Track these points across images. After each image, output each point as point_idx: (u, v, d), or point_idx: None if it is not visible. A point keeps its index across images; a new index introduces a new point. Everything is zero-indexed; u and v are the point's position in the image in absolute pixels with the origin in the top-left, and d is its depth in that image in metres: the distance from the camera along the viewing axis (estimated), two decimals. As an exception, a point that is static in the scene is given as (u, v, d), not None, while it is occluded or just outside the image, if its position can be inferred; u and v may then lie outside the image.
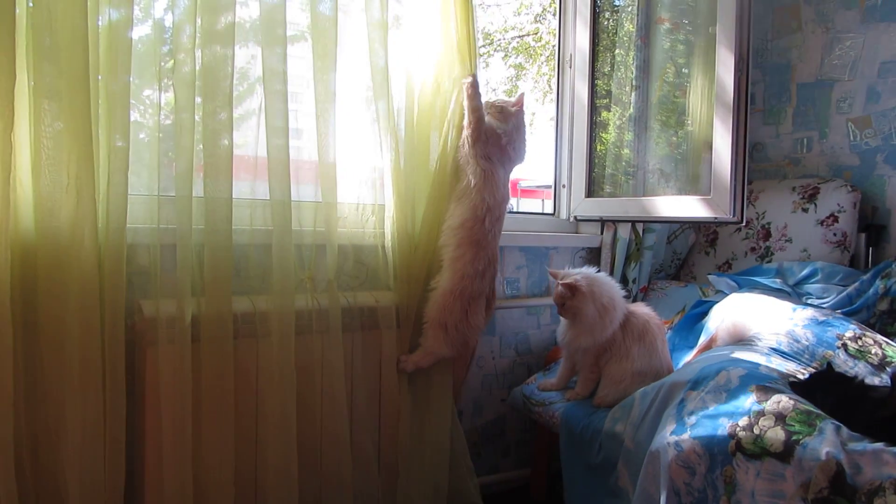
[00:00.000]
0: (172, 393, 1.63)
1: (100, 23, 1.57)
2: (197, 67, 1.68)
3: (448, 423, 2.08)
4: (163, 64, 1.70)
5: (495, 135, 1.99)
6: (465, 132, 1.99)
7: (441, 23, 2.02)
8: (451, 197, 2.01)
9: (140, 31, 1.70)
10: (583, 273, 1.98)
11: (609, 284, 2.00)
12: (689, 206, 2.23)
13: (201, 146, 1.69)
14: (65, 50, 1.49)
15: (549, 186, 2.83)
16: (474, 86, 2.00)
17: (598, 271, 2.03)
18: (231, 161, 1.71)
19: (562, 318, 2.04)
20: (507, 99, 2.08)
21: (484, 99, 2.01)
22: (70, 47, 1.50)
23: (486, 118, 2.00)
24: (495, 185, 1.96)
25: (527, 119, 2.09)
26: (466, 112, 1.99)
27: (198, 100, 1.68)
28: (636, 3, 2.60)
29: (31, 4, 1.48)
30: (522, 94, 2.06)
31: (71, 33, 1.49)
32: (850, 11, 2.52)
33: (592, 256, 2.67)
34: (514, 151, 2.03)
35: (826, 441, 1.33)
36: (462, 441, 2.14)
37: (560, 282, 1.96)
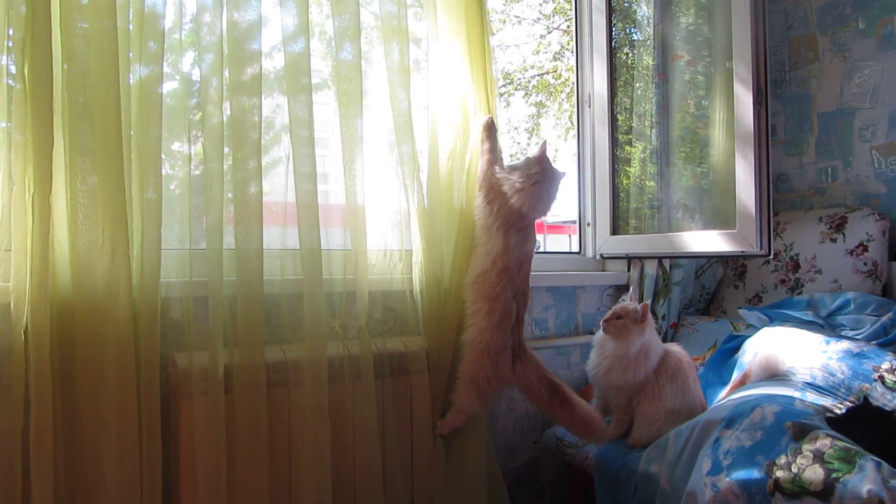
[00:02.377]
0: (207, 444, 1.64)
1: (131, 80, 1.62)
2: (224, 118, 1.72)
3: (484, 467, 2.05)
4: (191, 116, 1.75)
5: (504, 187, 1.93)
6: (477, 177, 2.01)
7: (460, 65, 2.06)
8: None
9: (169, 86, 1.74)
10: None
11: (655, 330, 2.02)
12: (715, 241, 2.23)
13: (231, 195, 1.73)
14: (98, 108, 1.54)
15: (575, 222, 2.83)
16: (488, 127, 2.02)
17: None
18: (261, 208, 1.74)
19: (593, 352, 2.04)
20: (530, 158, 1.98)
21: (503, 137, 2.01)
22: (103, 105, 1.54)
23: (506, 170, 1.96)
24: (502, 237, 1.91)
25: (553, 162, 2.00)
26: (480, 155, 2.02)
27: (226, 150, 1.72)
28: (653, 38, 2.64)
29: (65, 66, 1.53)
30: (545, 143, 1.98)
31: (104, 92, 1.54)
32: (866, 40, 2.52)
33: (620, 294, 2.66)
34: (525, 207, 1.91)
35: (867, 478, 1.30)
36: (501, 484, 2.12)
37: (642, 303, 1.99)
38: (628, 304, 1.99)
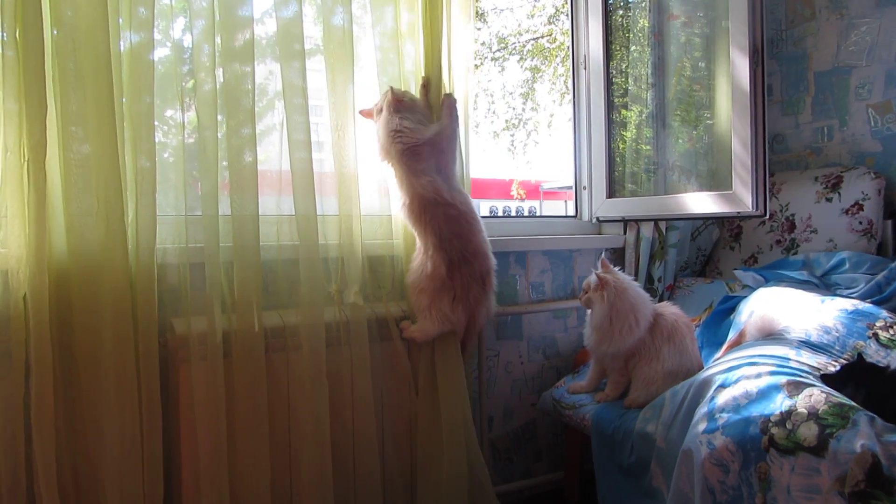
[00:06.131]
0: (206, 408, 1.66)
1: (121, 47, 1.60)
2: (217, 85, 1.71)
3: (462, 436, 2.02)
4: (184, 84, 1.74)
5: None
6: None
7: (444, 33, 2.03)
8: None
9: (160, 53, 1.73)
10: (619, 279, 1.99)
11: (633, 296, 1.99)
12: (711, 202, 2.23)
13: (226, 163, 1.72)
14: (89, 75, 1.53)
15: (571, 188, 2.83)
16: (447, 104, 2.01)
17: (633, 280, 2.04)
18: (256, 176, 1.74)
19: (587, 322, 2.05)
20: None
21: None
22: (94, 72, 1.53)
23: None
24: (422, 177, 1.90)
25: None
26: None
27: (219, 117, 1.72)
28: (648, 0, 2.61)
29: (55, 32, 1.51)
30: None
31: (94, 58, 1.53)
32: (864, -4, 2.50)
33: (616, 257, 2.66)
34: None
35: (860, 433, 1.32)
36: (478, 455, 2.10)
37: (596, 272, 2.00)
38: (591, 277, 2.01)
